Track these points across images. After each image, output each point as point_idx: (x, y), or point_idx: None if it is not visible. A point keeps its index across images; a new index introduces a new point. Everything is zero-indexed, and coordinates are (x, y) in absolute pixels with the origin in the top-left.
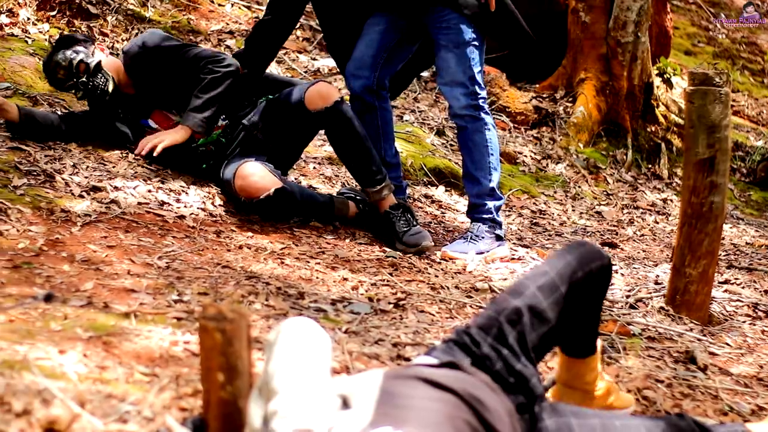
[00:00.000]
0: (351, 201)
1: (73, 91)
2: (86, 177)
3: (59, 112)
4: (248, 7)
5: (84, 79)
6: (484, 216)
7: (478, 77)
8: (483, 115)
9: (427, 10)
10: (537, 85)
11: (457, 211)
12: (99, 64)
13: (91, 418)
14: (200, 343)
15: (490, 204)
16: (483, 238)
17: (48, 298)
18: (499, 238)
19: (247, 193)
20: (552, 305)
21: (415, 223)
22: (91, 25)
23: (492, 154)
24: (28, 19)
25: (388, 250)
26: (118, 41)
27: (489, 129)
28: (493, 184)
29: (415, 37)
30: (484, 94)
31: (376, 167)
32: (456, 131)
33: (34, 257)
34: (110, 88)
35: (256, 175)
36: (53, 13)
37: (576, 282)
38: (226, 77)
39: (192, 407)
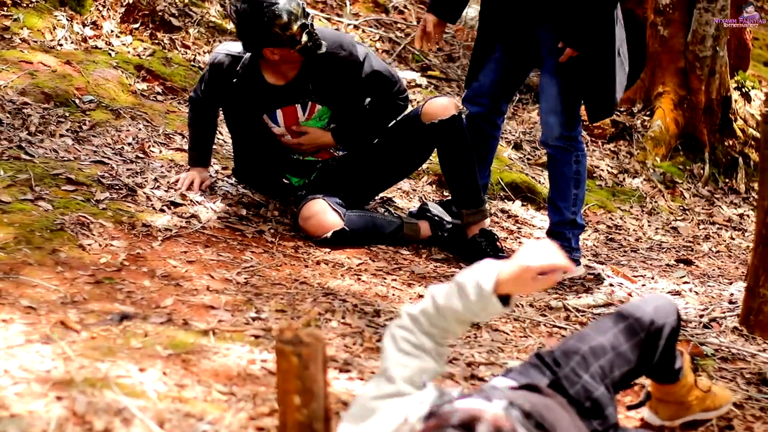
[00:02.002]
0: (425, 221)
1: (286, 36)
2: (167, 191)
3: (197, 120)
4: (328, 19)
5: (310, 30)
6: (561, 243)
7: (577, 109)
8: (575, 146)
9: (542, 26)
10: None
11: (533, 226)
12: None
13: None
14: (277, 366)
15: (569, 234)
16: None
17: (123, 319)
18: (574, 260)
19: (307, 232)
20: (632, 348)
21: (501, 253)
22: (174, 37)
23: (579, 187)
24: (112, 31)
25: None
26: (199, 53)
27: (580, 161)
28: (576, 216)
29: (530, 62)
30: (580, 127)
31: (479, 189)
32: (548, 162)
33: (116, 272)
34: (322, 50)
35: (316, 216)
36: (136, 25)
37: (653, 331)
38: (399, 112)
39: (269, 427)
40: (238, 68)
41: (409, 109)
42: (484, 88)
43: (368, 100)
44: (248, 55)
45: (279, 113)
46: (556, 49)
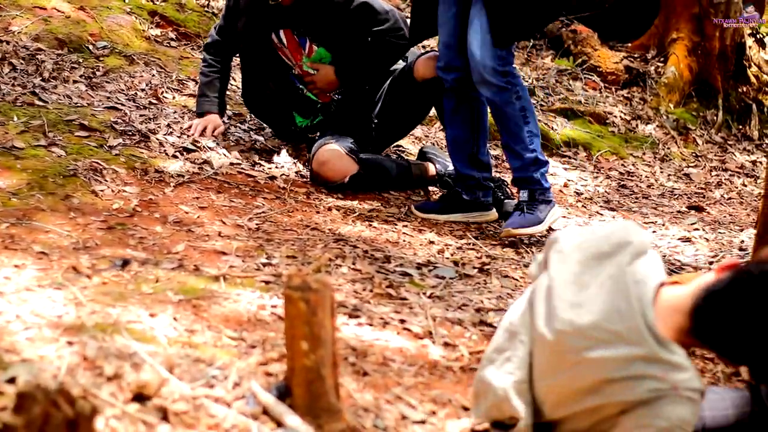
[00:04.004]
0: (431, 162)
1: None
2: (180, 137)
3: (208, 65)
4: None
5: None
6: (532, 187)
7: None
8: (513, 81)
9: None
10: (629, 45)
11: (551, 173)
12: None
13: (179, 382)
14: (285, 312)
15: (536, 174)
16: (536, 206)
17: (124, 265)
18: (548, 201)
19: (324, 178)
20: None
21: (510, 198)
22: None
23: (530, 122)
24: None
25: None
26: None
27: (522, 96)
28: (536, 153)
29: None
30: (512, 60)
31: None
32: (486, 103)
33: (128, 218)
34: None
35: (332, 161)
36: None
37: None
38: (397, 54)
39: (277, 372)
40: None
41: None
42: (453, 50)
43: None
44: None
45: (282, 34)
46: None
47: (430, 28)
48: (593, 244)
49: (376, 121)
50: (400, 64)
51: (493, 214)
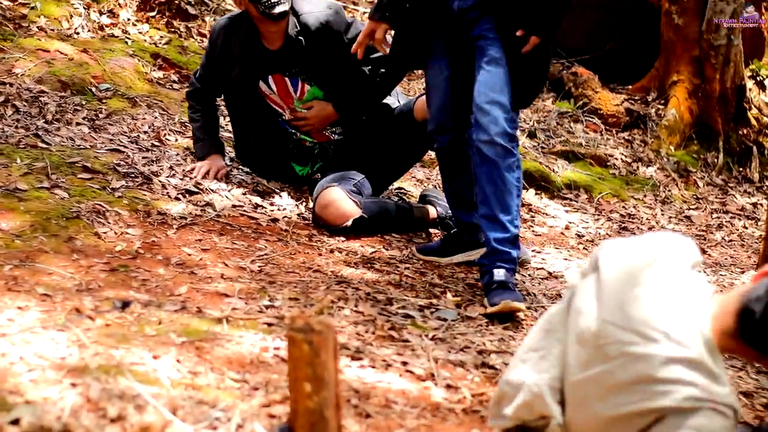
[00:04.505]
0: (432, 205)
1: None
2: (182, 179)
3: (195, 111)
4: (345, 8)
5: None
6: (507, 266)
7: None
8: (516, 146)
9: (475, 24)
10: (629, 87)
11: (546, 215)
12: None
13: (182, 424)
14: (288, 354)
15: (514, 253)
16: (514, 282)
17: (125, 306)
18: (513, 270)
19: (325, 221)
20: None
21: None
22: (190, 25)
23: (519, 195)
24: (128, 20)
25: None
26: None
27: (519, 165)
28: (518, 230)
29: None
30: (518, 124)
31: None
32: (480, 162)
33: (131, 260)
34: (286, 9)
35: (334, 204)
36: (153, 13)
37: None
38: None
39: (280, 414)
40: (240, 28)
41: (403, 100)
42: (446, 112)
43: (367, 69)
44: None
45: (271, 80)
46: (500, 38)
47: (414, 61)
48: (644, 249)
49: (376, 161)
50: (395, 104)
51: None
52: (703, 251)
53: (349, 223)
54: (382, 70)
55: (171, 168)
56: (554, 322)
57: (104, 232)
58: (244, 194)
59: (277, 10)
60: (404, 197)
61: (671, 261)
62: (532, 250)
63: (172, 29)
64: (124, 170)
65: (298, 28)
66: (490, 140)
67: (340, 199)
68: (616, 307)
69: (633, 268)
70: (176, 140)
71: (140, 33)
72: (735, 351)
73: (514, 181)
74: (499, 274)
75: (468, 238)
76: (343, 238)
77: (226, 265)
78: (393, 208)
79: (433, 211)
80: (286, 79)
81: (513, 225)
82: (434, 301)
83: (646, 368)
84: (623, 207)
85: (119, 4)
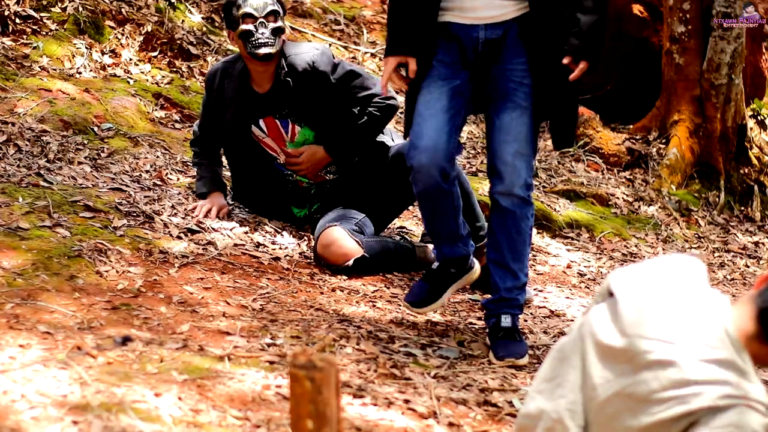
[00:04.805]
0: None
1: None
2: (184, 218)
3: (198, 156)
4: (345, 47)
5: (256, 26)
6: (514, 312)
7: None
8: (531, 197)
9: (502, 58)
10: (630, 126)
11: (548, 254)
12: (283, 29)
13: None
14: (290, 391)
15: (521, 298)
16: (520, 328)
17: (125, 342)
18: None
19: (327, 260)
20: None
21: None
22: (192, 65)
23: (530, 243)
24: (131, 59)
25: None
26: None
27: (533, 214)
28: (528, 277)
29: (479, 103)
30: (534, 170)
31: (480, 222)
32: (495, 210)
33: (133, 298)
34: (272, 51)
35: (336, 243)
36: (155, 53)
37: None
38: (387, 118)
39: None
40: (233, 71)
41: (397, 138)
42: (439, 147)
43: (356, 109)
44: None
45: (263, 123)
46: (533, 79)
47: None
48: (657, 269)
49: (373, 200)
50: (389, 142)
51: (477, 269)
52: None
53: (351, 262)
54: (371, 110)
55: (173, 207)
56: (567, 350)
57: (106, 271)
58: (246, 233)
59: (263, 51)
60: (405, 236)
61: (686, 276)
62: (534, 289)
63: (174, 69)
64: (126, 209)
65: (286, 69)
66: (510, 192)
67: (342, 238)
68: (638, 321)
69: (649, 285)
70: (178, 179)
71: (142, 73)
72: (760, 356)
73: (527, 230)
74: (507, 320)
75: (453, 268)
76: (344, 277)
77: (228, 303)
78: (395, 247)
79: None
80: (277, 121)
81: (523, 273)
82: (436, 339)
83: (677, 372)
84: (625, 246)
85: (121, 44)
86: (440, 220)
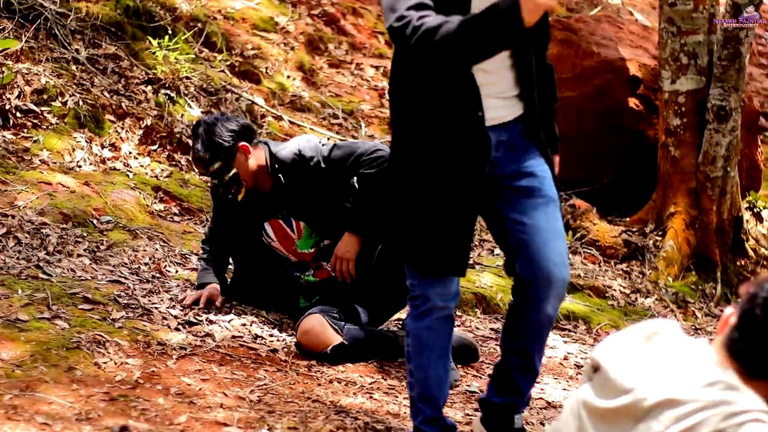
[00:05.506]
0: None
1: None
2: (182, 310)
3: (206, 253)
4: (343, 140)
5: (217, 182)
6: (525, 407)
7: None
8: None
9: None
10: (627, 219)
11: (545, 345)
12: (235, 176)
13: None
14: None
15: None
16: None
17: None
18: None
19: (306, 347)
20: None
21: None
22: (191, 158)
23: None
24: (130, 153)
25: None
26: None
27: None
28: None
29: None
30: None
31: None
32: (529, 316)
33: (131, 390)
34: (239, 197)
35: (313, 330)
36: (154, 147)
37: None
38: (380, 169)
39: None
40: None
41: None
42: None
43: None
44: None
45: (269, 228)
46: (554, 175)
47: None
48: (639, 331)
49: (372, 292)
50: None
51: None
52: None
53: (328, 350)
54: (362, 171)
55: (171, 299)
56: (560, 427)
57: (104, 362)
58: (244, 325)
59: (239, 197)
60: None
61: (664, 331)
62: None
63: (174, 162)
64: (125, 301)
65: (276, 166)
66: (562, 297)
67: (320, 325)
68: (630, 376)
69: (632, 345)
70: (177, 272)
71: (142, 166)
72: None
73: (552, 322)
74: (519, 420)
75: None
76: (341, 368)
77: (226, 394)
78: (377, 336)
79: None
80: (281, 221)
81: (540, 364)
82: None
83: (677, 408)
84: None
85: (121, 138)
86: (431, 366)
